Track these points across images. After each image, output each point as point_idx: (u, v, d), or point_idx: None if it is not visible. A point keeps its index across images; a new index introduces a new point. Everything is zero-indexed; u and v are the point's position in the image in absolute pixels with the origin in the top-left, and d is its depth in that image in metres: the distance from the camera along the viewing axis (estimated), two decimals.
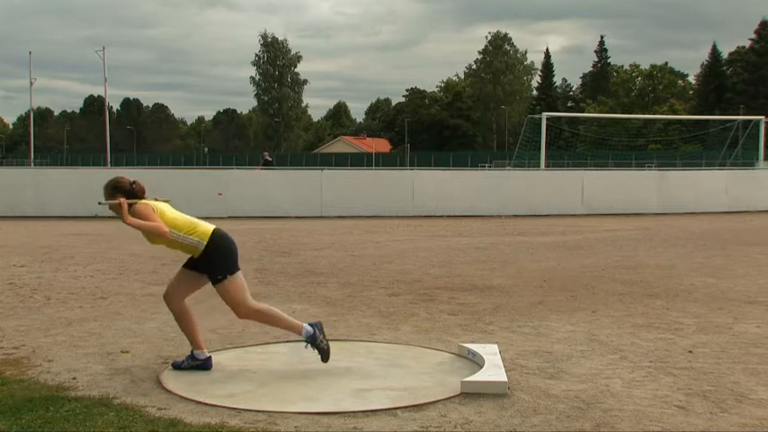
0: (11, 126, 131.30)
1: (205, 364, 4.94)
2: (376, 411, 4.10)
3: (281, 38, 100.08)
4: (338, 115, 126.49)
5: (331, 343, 4.98)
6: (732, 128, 47.07)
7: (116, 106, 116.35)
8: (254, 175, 23.30)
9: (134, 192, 4.85)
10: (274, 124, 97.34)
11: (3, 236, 14.59)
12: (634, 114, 73.25)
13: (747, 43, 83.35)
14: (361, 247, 12.77)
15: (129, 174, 5.39)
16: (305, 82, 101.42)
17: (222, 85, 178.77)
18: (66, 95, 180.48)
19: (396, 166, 60.37)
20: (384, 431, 3.82)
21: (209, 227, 4.94)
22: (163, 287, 5.35)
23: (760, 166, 37.48)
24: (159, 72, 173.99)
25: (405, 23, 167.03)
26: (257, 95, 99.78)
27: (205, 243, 4.84)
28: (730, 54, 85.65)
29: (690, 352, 5.50)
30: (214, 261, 4.86)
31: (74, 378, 4.72)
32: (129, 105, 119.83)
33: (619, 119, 72.44)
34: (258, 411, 4.09)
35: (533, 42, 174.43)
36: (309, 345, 4.93)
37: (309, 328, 4.93)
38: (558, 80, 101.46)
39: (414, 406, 4.19)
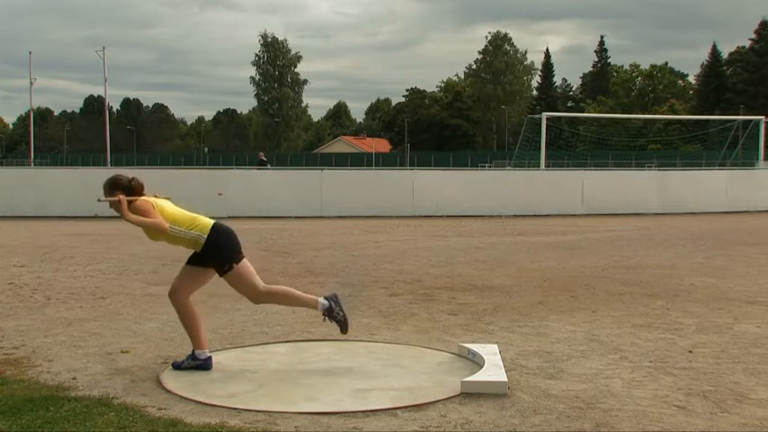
0: (11, 126, 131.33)
1: (205, 364, 4.94)
2: (376, 411, 4.10)
3: (281, 38, 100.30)
4: (338, 115, 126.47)
5: (331, 343, 4.98)
6: (732, 128, 47.04)
7: (116, 106, 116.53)
8: (254, 175, 23.31)
9: (133, 188, 4.86)
10: (274, 124, 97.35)
11: (3, 236, 14.59)
12: (634, 114, 73.24)
13: (747, 43, 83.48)
14: (362, 247, 12.77)
15: (128, 174, 5.38)
16: (305, 82, 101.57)
17: (222, 85, 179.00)
18: (66, 95, 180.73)
19: (396, 166, 60.35)
20: (384, 431, 3.82)
21: (208, 221, 4.96)
22: (163, 287, 5.36)
23: (760, 166, 37.47)
24: (159, 72, 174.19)
25: (404, 23, 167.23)
26: (257, 95, 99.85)
27: (206, 236, 4.85)
28: (730, 54, 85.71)
29: (690, 352, 5.50)
30: (218, 253, 4.87)
31: (74, 378, 4.72)
32: (129, 105, 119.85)
33: (619, 119, 72.44)
34: (258, 411, 4.09)
35: (533, 42, 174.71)
36: (327, 318, 5.01)
37: (325, 302, 5.02)
38: (558, 80, 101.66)
39: (414, 406, 4.19)
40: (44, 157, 76.85)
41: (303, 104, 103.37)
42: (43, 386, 4.51)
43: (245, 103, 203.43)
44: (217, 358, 5.10)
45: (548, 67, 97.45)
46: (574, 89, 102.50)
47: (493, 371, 4.66)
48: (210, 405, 4.19)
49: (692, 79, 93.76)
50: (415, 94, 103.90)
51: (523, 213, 20.99)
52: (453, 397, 4.35)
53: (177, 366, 4.94)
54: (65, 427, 3.77)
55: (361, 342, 5.77)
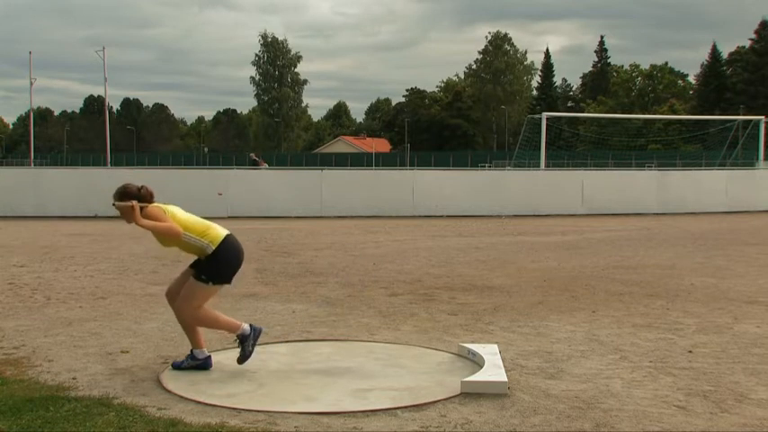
0: (11, 126, 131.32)
1: (205, 364, 4.95)
2: (376, 411, 4.10)
3: (281, 38, 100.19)
4: (338, 115, 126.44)
5: (331, 343, 4.98)
6: (732, 128, 47.02)
7: (116, 106, 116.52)
8: (254, 175, 23.30)
9: (142, 196, 4.87)
10: (274, 124, 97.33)
11: (3, 236, 14.59)
12: (634, 114, 73.23)
13: (747, 43, 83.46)
14: (361, 247, 12.77)
15: (128, 174, 5.41)
16: (305, 82, 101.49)
17: (222, 85, 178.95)
18: (66, 95, 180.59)
19: (396, 166, 60.36)
20: (384, 431, 3.82)
21: (221, 231, 4.95)
22: (163, 287, 5.36)
23: (760, 166, 37.46)
24: (159, 72, 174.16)
25: (404, 23, 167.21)
26: (257, 95, 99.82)
27: (213, 248, 4.85)
28: (730, 54, 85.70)
29: (690, 352, 5.50)
30: (211, 265, 4.87)
31: (74, 378, 4.72)
32: (129, 105, 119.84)
33: (619, 119, 72.43)
34: (258, 411, 4.09)
35: (533, 42, 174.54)
36: (239, 342, 4.95)
37: (247, 328, 4.97)
38: (557, 80, 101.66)
39: (414, 406, 4.19)
40: (44, 158, 76.84)
41: (303, 104, 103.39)
42: (43, 386, 4.51)
43: (245, 103, 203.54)
44: (217, 358, 5.10)
45: (548, 67, 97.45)
46: (574, 89, 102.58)
47: (493, 371, 4.66)
48: (210, 405, 4.19)
49: (691, 79, 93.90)
50: (414, 94, 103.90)
51: (523, 213, 20.98)
52: (453, 397, 4.35)
53: (177, 366, 4.95)
54: (65, 427, 3.77)
55: (361, 342, 5.77)
